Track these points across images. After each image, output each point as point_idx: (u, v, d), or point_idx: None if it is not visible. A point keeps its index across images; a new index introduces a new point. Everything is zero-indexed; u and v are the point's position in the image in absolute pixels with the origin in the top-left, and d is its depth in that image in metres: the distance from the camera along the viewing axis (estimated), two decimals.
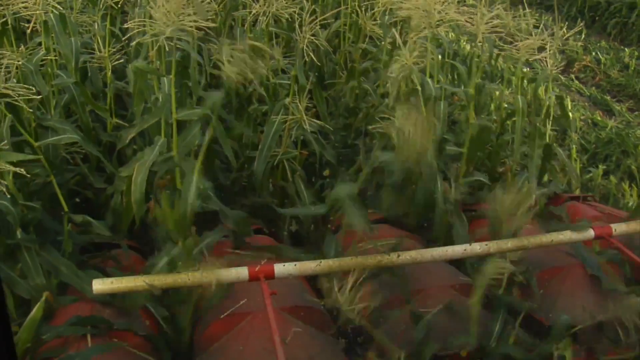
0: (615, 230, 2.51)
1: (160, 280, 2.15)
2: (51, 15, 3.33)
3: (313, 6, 4.79)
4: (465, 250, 2.38)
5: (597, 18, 10.35)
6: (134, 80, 3.29)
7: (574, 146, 5.44)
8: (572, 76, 8.27)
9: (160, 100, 2.97)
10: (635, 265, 2.58)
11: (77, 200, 3.35)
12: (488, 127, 3.50)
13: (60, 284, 2.51)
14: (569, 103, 6.44)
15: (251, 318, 2.32)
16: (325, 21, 5.07)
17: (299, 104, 3.31)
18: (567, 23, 10.35)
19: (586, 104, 7.30)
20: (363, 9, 4.50)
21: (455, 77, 4.48)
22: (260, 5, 3.48)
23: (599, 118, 6.61)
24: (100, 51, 3.61)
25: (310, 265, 2.24)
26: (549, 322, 2.51)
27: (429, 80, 3.36)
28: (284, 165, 3.53)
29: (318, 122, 3.53)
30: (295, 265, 2.22)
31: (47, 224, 2.68)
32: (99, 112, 3.49)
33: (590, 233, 2.49)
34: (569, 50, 8.84)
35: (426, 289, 2.52)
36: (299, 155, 3.56)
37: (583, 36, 9.33)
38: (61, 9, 3.44)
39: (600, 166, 5.26)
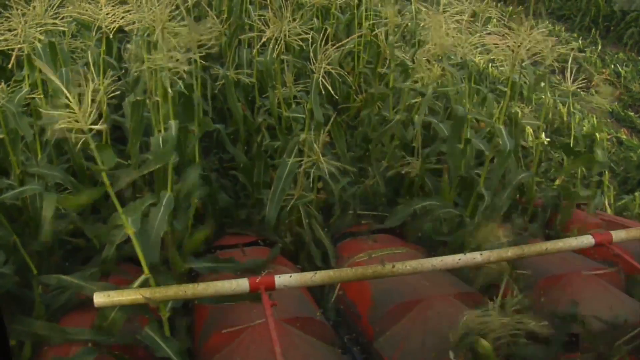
0: (615, 237, 2.60)
1: (162, 292, 2.25)
2: (37, 45, 3.15)
3: (324, 26, 4.99)
4: (462, 259, 2.48)
5: (611, 28, 10.41)
6: (130, 115, 3.28)
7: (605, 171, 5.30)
8: (593, 91, 8.27)
9: (161, 143, 2.94)
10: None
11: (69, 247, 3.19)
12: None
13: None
14: (595, 122, 6.47)
15: (252, 329, 2.43)
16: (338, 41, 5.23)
17: (314, 144, 3.27)
18: (580, 33, 10.51)
19: (609, 120, 7.21)
20: (381, 30, 4.50)
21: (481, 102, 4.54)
22: (270, 30, 3.49)
23: (624, 136, 6.53)
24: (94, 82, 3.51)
25: (310, 276, 2.34)
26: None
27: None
28: (299, 210, 3.45)
29: (336, 163, 3.45)
30: (295, 276, 2.33)
31: (16, 292, 2.60)
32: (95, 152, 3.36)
33: (590, 240, 2.58)
34: (586, 63, 8.76)
35: (427, 298, 2.62)
36: (315, 198, 3.49)
37: (599, 47, 9.40)
38: (50, 36, 3.30)
39: (637, 195, 5.17)
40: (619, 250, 2.61)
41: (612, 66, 8.82)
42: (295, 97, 3.96)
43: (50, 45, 3.28)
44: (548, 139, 5.36)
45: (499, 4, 11.65)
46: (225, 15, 5.54)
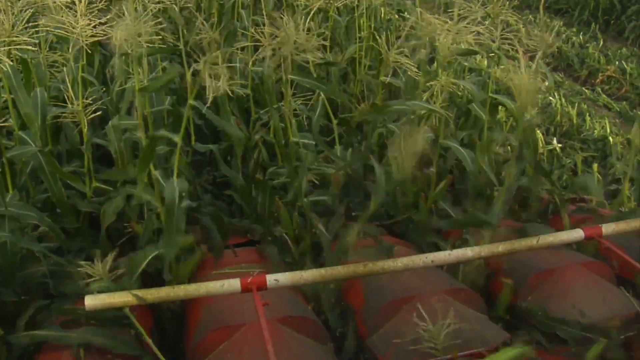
0: (605, 230, 2.73)
1: (153, 294, 2.36)
2: (6, 66, 2.91)
3: (323, 29, 4.86)
4: (453, 254, 2.61)
5: (611, 22, 10.41)
6: (114, 139, 3.24)
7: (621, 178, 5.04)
8: (599, 89, 8.24)
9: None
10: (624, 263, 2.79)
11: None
12: None
13: None
14: (607, 124, 6.48)
15: (245, 329, 2.51)
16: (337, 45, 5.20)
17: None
18: (579, 28, 10.52)
19: (617, 120, 7.24)
20: (383, 34, 4.36)
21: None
22: (274, 43, 3.35)
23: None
24: (72, 103, 3.31)
25: (302, 275, 2.46)
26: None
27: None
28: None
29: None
30: (287, 275, 2.44)
31: None
32: (71, 182, 3.21)
33: (580, 234, 2.71)
34: (589, 59, 8.93)
35: (419, 295, 2.71)
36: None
37: (601, 43, 9.44)
38: (23, 53, 3.17)
39: None
40: (608, 244, 2.73)
41: (617, 62, 8.83)
42: (296, 113, 3.95)
43: (23, 63, 3.21)
44: (560, 145, 5.54)
45: None
46: (215, 19, 5.50)
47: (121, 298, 2.29)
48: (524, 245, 2.65)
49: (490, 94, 3.72)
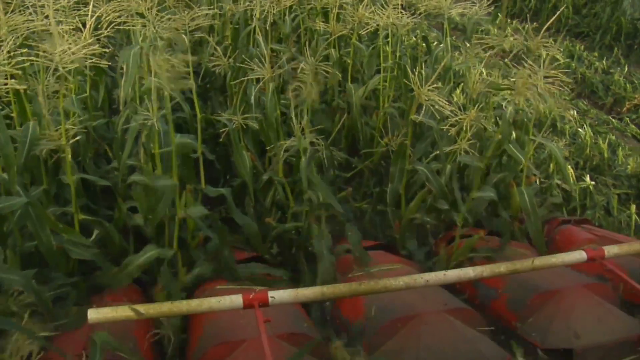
0: (607, 252, 2.81)
1: (156, 309, 2.44)
2: None
3: (343, 57, 4.99)
4: (455, 274, 2.69)
5: (635, 47, 10.34)
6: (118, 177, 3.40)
7: None
8: (627, 119, 7.97)
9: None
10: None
11: None
12: None
13: None
14: None
15: (246, 345, 2.64)
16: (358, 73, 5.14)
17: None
18: (601, 52, 10.41)
19: None
20: (408, 62, 4.43)
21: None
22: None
23: None
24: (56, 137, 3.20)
25: (304, 293, 2.55)
26: (545, 345, 2.82)
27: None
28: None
29: None
30: (288, 292, 2.53)
31: None
32: (62, 233, 3.10)
33: (583, 255, 2.79)
34: (614, 86, 8.80)
35: (420, 314, 2.83)
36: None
37: (626, 69, 9.36)
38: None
39: None
40: (611, 266, 2.81)
41: None
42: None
43: (16, 95, 3.22)
44: (593, 183, 5.39)
45: (514, 21, 11.80)
46: (229, 42, 5.59)
47: (124, 312, 2.36)
48: (526, 266, 2.74)
49: (532, 136, 3.70)
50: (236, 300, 2.45)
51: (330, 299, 2.87)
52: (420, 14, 4.70)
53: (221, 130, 4.07)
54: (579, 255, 2.79)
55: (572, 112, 7.46)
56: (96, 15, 3.40)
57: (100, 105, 4.28)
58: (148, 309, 2.40)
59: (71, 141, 3.17)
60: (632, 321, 2.94)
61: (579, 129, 6.94)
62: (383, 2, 4.83)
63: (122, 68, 3.35)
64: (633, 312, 3.03)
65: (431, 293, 3.02)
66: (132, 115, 3.49)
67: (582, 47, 10.32)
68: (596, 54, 10.19)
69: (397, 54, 4.70)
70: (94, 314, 2.33)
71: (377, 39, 4.95)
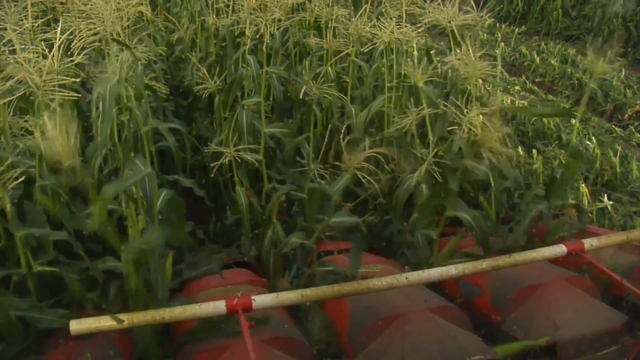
0: (587, 245, 2.98)
1: (139, 317, 2.54)
2: None
3: (342, 77, 4.92)
4: (437, 272, 2.84)
5: (629, 50, 10.53)
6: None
7: None
8: (631, 127, 8.10)
9: None
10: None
11: None
12: None
13: None
14: None
15: (231, 350, 2.74)
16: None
17: None
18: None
19: None
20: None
21: None
22: None
23: None
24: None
25: (287, 296, 2.68)
26: (527, 339, 2.97)
27: None
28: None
29: None
30: (272, 296, 2.66)
31: None
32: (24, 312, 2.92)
33: (563, 249, 2.95)
34: (613, 92, 8.92)
35: (404, 314, 2.96)
36: None
37: (622, 73, 9.47)
38: None
39: None
40: (591, 259, 3.00)
41: None
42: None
43: None
44: (611, 202, 5.42)
45: (503, 25, 11.95)
46: (213, 59, 5.55)
47: (106, 322, 2.44)
48: (507, 262, 2.89)
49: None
50: (219, 306, 2.56)
51: (314, 300, 2.92)
52: (422, 26, 4.51)
53: (211, 165, 4.15)
54: (559, 249, 2.96)
55: (573, 121, 7.40)
56: (64, 37, 3.29)
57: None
58: (131, 318, 2.49)
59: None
60: (613, 313, 3.07)
61: (587, 142, 6.97)
62: (383, 15, 4.76)
63: (97, 106, 3.33)
64: (614, 303, 3.16)
65: (415, 292, 3.14)
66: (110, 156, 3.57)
67: (574, 50, 10.48)
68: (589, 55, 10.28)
69: (402, 72, 4.57)
70: (76, 325, 2.41)
71: (374, 55, 5.00)
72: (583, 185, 5.52)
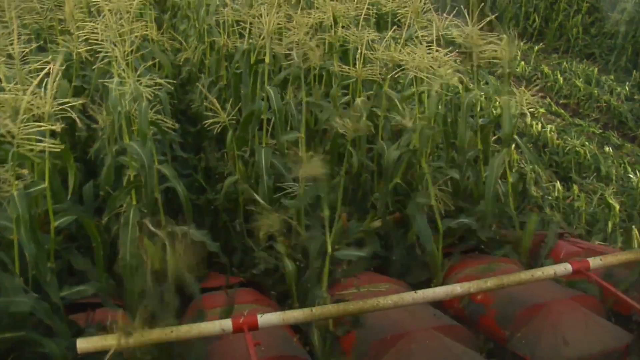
0: (592, 264, 3.13)
1: (145, 336, 2.64)
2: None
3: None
4: (442, 291, 3.01)
5: None
6: None
7: None
8: None
9: None
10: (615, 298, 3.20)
11: None
12: None
13: None
14: None
15: None
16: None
17: None
18: (617, 75, 10.30)
19: None
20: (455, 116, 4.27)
21: None
22: None
23: None
24: None
25: (293, 315, 2.83)
26: (534, 359, 3.14)
27: None
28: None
29: None
30: (278, 314, 2.80)
31: None
32: None
33: (568, 268, 3.11)
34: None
35: (410, 332, 3.12)
36: None
37: None
38: None
39: None
40: (596, 277, 3.15)
41: None
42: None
43: None
44: None
45: (521, 43, 11.97)
46: (224, 83, 5.49)
47: (113, 341, 2.53)
48: (513, 280, 3.05)
49: None
50: (225, 324, 2.69)
51: (320, 319, 3.07)
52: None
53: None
54: (565, 268, 3.11)
55: (607, 149, 7.54)
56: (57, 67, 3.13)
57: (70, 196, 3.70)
58: (137, 337, 2.59)
59: None
60: (619, 331, 3.23)
61: (630, 175, 6.79)
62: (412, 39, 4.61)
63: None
64: (619, 322, 3.32)
65: (420, 311, 3.31)
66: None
67: (595, 69, 10.45)
68: (612, 76, 10.32)
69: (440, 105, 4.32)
70: (83, 344, 2.53)
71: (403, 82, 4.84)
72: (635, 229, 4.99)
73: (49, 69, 3.09)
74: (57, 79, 3.10)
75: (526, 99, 4.09)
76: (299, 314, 2.83)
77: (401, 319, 3.22)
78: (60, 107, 3.12)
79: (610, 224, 5.51)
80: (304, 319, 2.86)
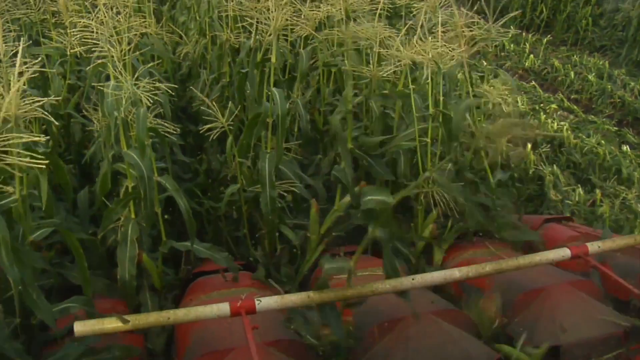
0: (591, 249, 3.21)
1: (143, 319, 2.75)
2: None
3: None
4: (440, 275, 3.10)
5: None
6: None
7: None
8: None
9: None
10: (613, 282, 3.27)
11: None
12: None
13: None
14: None
15: (234, 353, 2.98)
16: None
17: None
18: (628, 69, 10.28)
19: None
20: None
21: None
22: None
23: None
24: None
25: (290, 299, 2.91)
26: (532, 343, 3.20)
27: None
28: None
29: None
30: (275, 298, 2.88)
31: None
32: None
33: (567, 252, 3.19)
34: None
35: (407, 317, 3.19)
36: None
37: None
38: None
39: None
40: (594, 262, 3.24)
41: None
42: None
43: None
44: None
45: (528, 35, 12.00)
46: (227, 80, 5.48)
47: (110, 324, 2.62)
48: (511, 265, 3.14)
49: None
50: (223, 308, 2.76)
51: (318, 303, 3.05)
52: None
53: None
54: (563, 252, 3.19)
55: (625, 148, 7.47)
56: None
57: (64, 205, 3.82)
58: (134, 320, 2.68)
59: None
60: (617, 316, 3.29)
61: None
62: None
63: None
64: (618, 307, 3.39)
65: (418, 295, 3.35)
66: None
67: (606, 62, 10.47)
68: (623, 70, 10.34)
69: (441, 98, 4.21)
70: (80, 327, 2.59)
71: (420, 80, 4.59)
72: None
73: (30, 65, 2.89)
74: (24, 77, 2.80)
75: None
76: (297, 298, 2.90)
77: (398, 303, 3.23)
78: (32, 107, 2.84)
79: (636, 232, 5.45)
80: (302, 302, 2.93)
